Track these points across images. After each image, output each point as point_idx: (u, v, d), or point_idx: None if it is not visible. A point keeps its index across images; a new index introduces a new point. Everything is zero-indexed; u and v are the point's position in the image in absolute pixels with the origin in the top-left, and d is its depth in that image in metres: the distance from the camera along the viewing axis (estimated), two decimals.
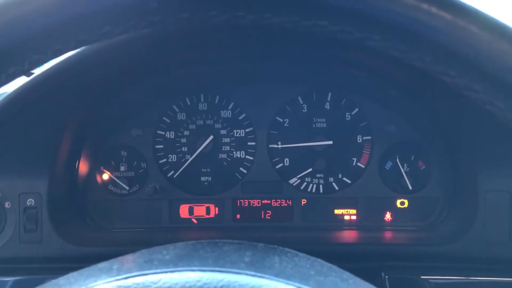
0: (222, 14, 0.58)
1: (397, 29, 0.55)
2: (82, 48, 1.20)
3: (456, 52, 0.54)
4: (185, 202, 1.72)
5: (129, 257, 0.71)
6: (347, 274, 0.69)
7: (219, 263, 0.63)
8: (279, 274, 0.61)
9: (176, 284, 0.57)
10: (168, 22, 0.59)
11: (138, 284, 0.58)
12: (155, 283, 0.57)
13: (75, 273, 0.66)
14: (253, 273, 0.59)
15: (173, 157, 1.71)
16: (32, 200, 1.44)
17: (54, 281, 0.66)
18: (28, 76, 1.28)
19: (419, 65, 0.58)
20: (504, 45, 0.53)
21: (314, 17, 0.56)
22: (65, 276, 0.66)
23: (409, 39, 0.56)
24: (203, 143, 1.69)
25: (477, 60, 0.54)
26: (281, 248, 0.75)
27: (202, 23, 0.59)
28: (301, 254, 0.73)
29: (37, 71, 1.27)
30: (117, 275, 0.61)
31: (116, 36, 0.60)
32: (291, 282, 0.58)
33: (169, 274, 0.59)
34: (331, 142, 1.67)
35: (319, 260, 0.72)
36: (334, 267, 0.71)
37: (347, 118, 1.69)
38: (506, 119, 0.59)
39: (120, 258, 0.70)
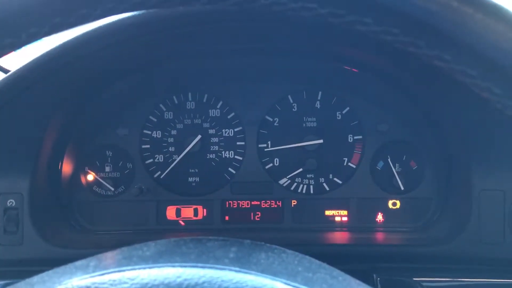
0: None
1: (390, 11, 0.52)
2: (64, 40, 1.16)
3: (451, 35, 0.51)
4: (172, 203, 1.68)
5: (108, 254, 0.67)
6: (337, 271, 0.65)
7: (202, 259, 0.59)
8: (265, 270, 0.57)
9: (155, 280, 0.53)
10: (147, 4, 0.56)
11: (114, 280, 0.54)
12: (132, 280, 0.54)
13: (49, 272, 0.63)
14: (237, 268, 0.56)
15: (160, 157, 1.68)
16: (13, 201, 1.39)
17: (27, 280, 0.62)
18: (4, 72, 1.23)
19: (412, 50, 0.55)
20: (501, 27, 0.51)
21: None
22: (40, 275, 0.63)
23: (401, 22, 0.53)
24: (191, 142, 1.65)
25: (473, 43, 0.51)
26: (268, 244, 0.72)
27: (183, 5, 0.57)
28: (288, 251, 0.70)
29: (16, 66, 1.22)
30: (93, 272, 0.58)
31: (95, 19, 0.56)
32: (277, 278, 0.55)
33: (147, 270, 0.55)
34: (321, 141, 1.64)
35: (307, 257, 0.69)
36: (324, 264, 0.67)
37: (338, 117, 1.67)
38: (503, 106, 0.56)
39: (98, 256, 0.67)
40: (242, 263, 0.59)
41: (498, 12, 0.50)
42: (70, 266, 0.63)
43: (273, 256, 0.64)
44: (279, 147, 1.68)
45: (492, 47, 0.51)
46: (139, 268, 0.56)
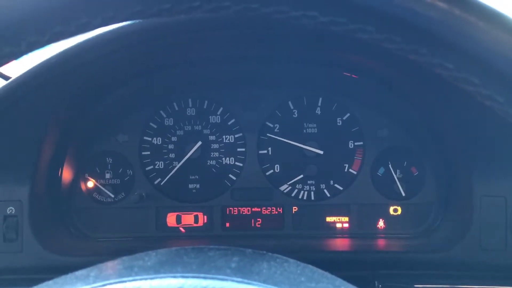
0: (206, 3, 0.55)
1: (392, 20, 0.52)
2: (64, 48, 1.16)
3: (453, 43, 0.51)
4: (173, 210, 1.67)
5: (109, 264, 0.67)
6: (339, 281, 0.65)
7: (204, 269, 0.59)
8: (267, 280, 0.57)
9: None
10: (149, 13, 0.56)
11: None
12: None
13: (49, 282, 0.62)
14: (239, 279, 0.55)
15: (160, 164, 1.67)
16: (13, 208, 1.39)
17: None
18: (5, 79, 1.23)
19: (414, 58, 0.55)
20: (504, 35, 0.50)
21: (303, 7, 0.53)
22: (39, 286, 0.62)
23: (403, 30, 0.52)
24: (191, 149, 1.65)
25: (475, 51, 0.51)
26: (270, 254, 0.71)
27: (184, 13, 0.56)
28: (291, 260, 0.69)
29: (16, 73, 1.22)
30: (94, 282, 0.57)
31: (95, 28, 0.56)
32: None
33: (149, 281, 0.55)
34: (321, 152, 1.64)
35: (310, 266, 0.68)
36: (326, 273, 0.67)
37: (338, 123, 1.67)
38: (506, 113, 0.56)
39: (99, 265, 0.66)
40: (244, 273, 0.58)
41: (500, 20, 0.50)
42: (70, 276, 0.62)
43: (275, 266, 0.64)
44: (279, 137, 1.67)
45: (495, 55, 0.51)
46: (140, 279, 0.55)
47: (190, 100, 1.68)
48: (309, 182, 1.68)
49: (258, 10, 0.54)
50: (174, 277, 0.55)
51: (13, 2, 0.51)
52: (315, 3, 0.53)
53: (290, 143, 1.66)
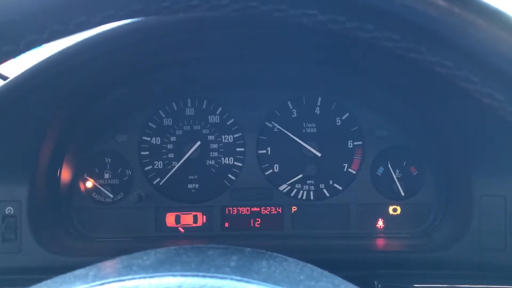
0: (205, 1, 0.55)
1: (391, 18, 0.52)
2: (63, 47, 1.16)
3: (452, 41, 0.51)
4: (172, 210, 1.67)
5: (108, 263, 0.67)
6: (339, 280, 0.65)
7: (203, 267, 0.59)
8: (267, 279, 0.57)
9: None
10: (147, 11, 0.56)
11: None
12: None
13: (48, 281, 0.62)
14: (239, 277, 0.55)
15: (159, 164, 1.67)
16: (11, 208, 1.38)
17: None
18: (3, 79, 1.23)
19: (413, 56, 0.55)
20: (503, 33, 0.50)
21: (302, 5, 0.53)
22: (38, 285, 0.62)
23: (403, 28, 0.52)
24: (190, 149, 1.65)
25: (474, 49, 0.51)
26: (269, 252, 0.71)
27: (183, 12, 0.56)
28: (290, 259, 0.69)
29: (15, 73, 1.22)
30: (93, 281, 0.57)
31: (94, 26, 0.56)
32: (279, 287, 0.54)
33: (148, 280, 0.55)
34: (319, 155, 1.64)
35: (309, 265, 0.68)
36: (325, 272, 0.67)
37: (337, 123, 1.67)
38: (505, 112, 0.56)
39: (98, 265, 0.66)
40: (244, 272, 0.58)
41: (500, 18, 0.50)
42: (69, 275, 0.62)
43: (275, 265, 0.64)
44: (283, 129, 1.67)
45: (494, 53, 0.50)
46: (139, 278, 0.55)
47: (189, 100, 1.68)
48: (308, 182, 1.68)
49: (257, 8, 0.54)
50: (173, 275, 0.55)
51: (12, 0, 0.51)
52: (314, 1, 0.52)
53: (289, 143, 1.66)
